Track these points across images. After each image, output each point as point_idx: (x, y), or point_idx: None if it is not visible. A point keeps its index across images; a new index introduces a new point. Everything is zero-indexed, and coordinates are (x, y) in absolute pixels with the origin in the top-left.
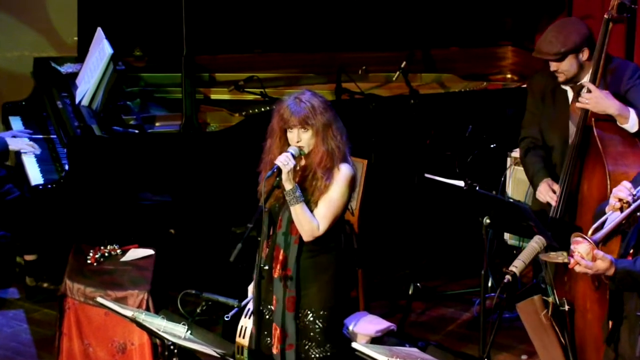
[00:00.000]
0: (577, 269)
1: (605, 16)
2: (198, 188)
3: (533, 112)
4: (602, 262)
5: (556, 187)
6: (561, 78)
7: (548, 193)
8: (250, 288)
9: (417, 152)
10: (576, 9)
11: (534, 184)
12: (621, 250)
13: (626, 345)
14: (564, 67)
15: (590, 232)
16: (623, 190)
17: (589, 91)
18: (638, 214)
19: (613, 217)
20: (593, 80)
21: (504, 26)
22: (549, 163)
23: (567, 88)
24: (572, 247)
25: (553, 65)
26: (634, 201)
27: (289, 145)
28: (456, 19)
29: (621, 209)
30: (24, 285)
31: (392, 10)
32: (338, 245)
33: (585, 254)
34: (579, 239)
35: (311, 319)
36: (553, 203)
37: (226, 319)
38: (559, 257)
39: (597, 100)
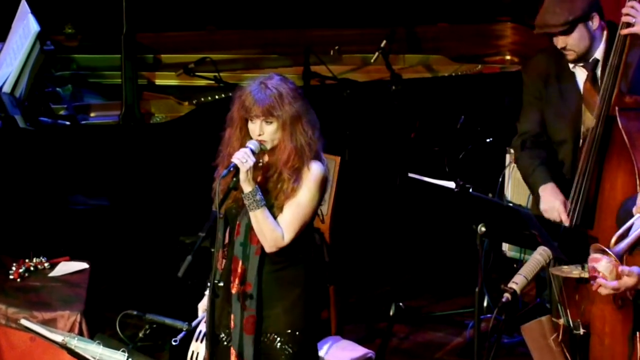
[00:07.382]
0: (602, 291)
1: None
2: (140, 190)
3: (532, 101)
4: (630, 278)
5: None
6: (571, 56)
7: (555, 206)
8: (201, 306)
9: (399, 147)
10: None
11: (532, 189)
12: None
13: None
14: (574, 41)
15: (613, 240)
16: None
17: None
18: None
19: None
20: (608, 50)
21: None
22: (553, 162)
23: (577, 69)
24: (590, 265)
25: (560, 41)
26: None
27: (250, 137)
28: None
29: None
30: None
31: None
32: (307, 257)
33: (607, 273)
34: (598, 255)
35: (279, 344)
36: (565, 221)
37: (174, 344)
38: (573, 271)
39: None
